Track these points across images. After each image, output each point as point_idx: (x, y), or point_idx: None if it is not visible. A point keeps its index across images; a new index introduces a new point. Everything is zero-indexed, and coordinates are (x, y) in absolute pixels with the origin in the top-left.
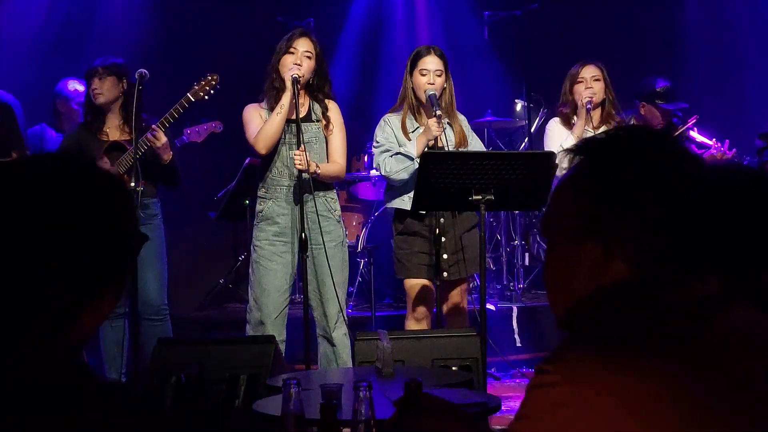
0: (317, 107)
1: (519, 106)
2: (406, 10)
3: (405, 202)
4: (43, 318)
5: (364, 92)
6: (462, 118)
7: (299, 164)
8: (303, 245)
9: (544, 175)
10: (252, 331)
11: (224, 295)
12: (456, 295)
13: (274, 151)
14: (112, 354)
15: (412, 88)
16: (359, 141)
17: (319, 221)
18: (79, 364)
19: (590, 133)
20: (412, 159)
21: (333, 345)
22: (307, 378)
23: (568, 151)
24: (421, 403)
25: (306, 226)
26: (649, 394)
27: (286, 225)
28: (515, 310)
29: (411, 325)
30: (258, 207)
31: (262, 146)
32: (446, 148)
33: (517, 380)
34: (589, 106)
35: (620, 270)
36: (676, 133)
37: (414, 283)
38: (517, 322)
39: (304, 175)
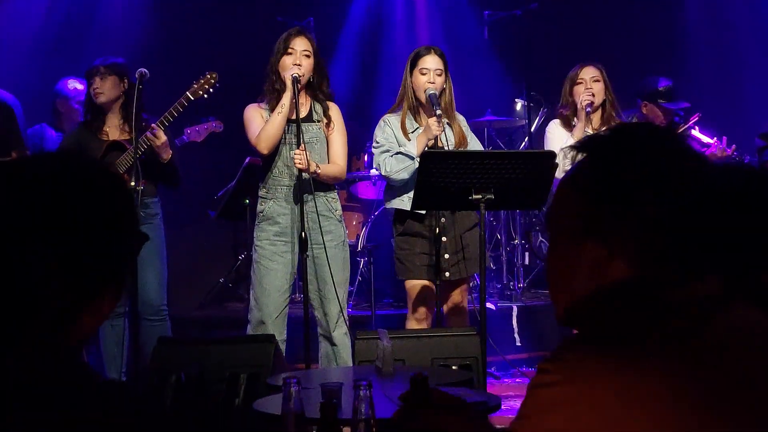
0: (318, 107)
1: (519, 105)
2: (406, 10)
3: (405, 202)
4: (43, 318)
5: (364, 92)
6: (461, 119)
7: (299, 163)
8: (303, 245)
9: (545, 175)
10: (252, 330)
11: (224, 295)
12: (456, 295)
13: (275, 151)
14: (112, 353)
15: (412, 87)
16: (359, 140)
17: (319, 221)
18: (79, 363)
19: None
20: (412, 159)
21: (334, 345)
22: (307, 377)
23: (570, 148)
24: (428, 397)
25: (306, 225)
26: (650, 394)
27: (287, 225)
28: (515, 309)
29: (412, 325)
30: (259, 207)
31: (264, 146)
32: (446, 148)
33: (517, 379)
34: (588, 109)
35: (622, 270)
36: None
37: (415, 284)
38: (517, 321)
39: (305, 175)
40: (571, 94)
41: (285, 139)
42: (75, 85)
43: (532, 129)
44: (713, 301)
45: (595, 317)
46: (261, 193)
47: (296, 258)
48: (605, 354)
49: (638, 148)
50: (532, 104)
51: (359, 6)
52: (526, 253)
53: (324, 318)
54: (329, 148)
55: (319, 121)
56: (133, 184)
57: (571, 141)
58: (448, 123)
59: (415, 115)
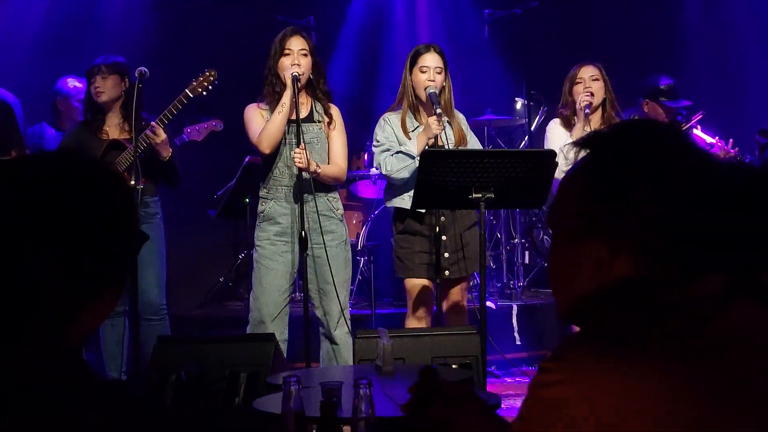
0: (319, 107)
1: (519, 104)
2: (406, 9)
3: (405, 200)
4: (43, 318)
5: (364, 91)
6: (461, 117)
7: (299, 162)
8: (303, 244)
9: (545, 174)
10: (252, 329)
11: (224, 294)
12: (456, 294)
13: (275, 151)
14: (113, 352)
15: (412, 86)
16: (359, 140)
17: (319, 221)
18: (79, 363)
19: None
20: (413, 157)
21: (335, 344)
22: (307, 376)
23: (572, 145)
24: (436, 389)
25: (306, 225)
26: (650, 394)
27: (288, 225)
28: (515, 308)
29: (411, 324)
30: (260, 207)
31: (266, 146)
32: (446, 146)
33: (517, 378)
34: (587, 110)
35: (624, 269)
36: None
37: (415, 283)
38: (517, 320)
39: (305, 175)
40: (571, 94)
41: (285, 139)
42: (75, 83)
43: (532, 128)
44: (713, 301)
45: (596, 316)
46: (262, 193)
47: (297, 257)
48: (606, 353)
49: (638, 146)
50: (532, 103)
51: (359, 5)
52: (526, 252)
53: (325, 317)
54: (329, 149)
55: (319, 122)
56: (132, 183)
57: (569, 141)
58: (448, 121)
59: (415, 113)
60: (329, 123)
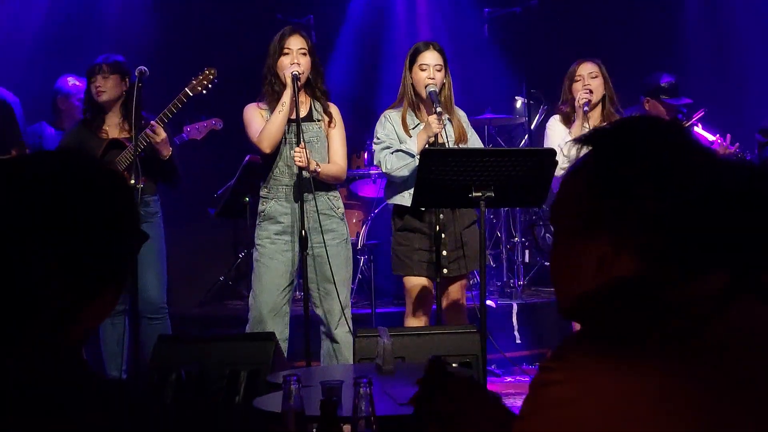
0: (318, 106)
1: (519, 103)
2: (406, 8)
3: (405, 198)
4: (43, 318)
5: (364, 90)
6: (461, 114)
7: (299, 161)
8: (303, 243)
9: (545, 172)
10: (251, 328)
11: (224, 293)
12: (455, 292)
13: (275, 150)
14: (113, 351)
15: (412, 84)
16: (359, 138)
17: (319, 219)
18: (79, 363)
19: None
20: (412, 156)
21: (335, 342)
22: (308, 374)
23: (575, 141)
24: (445, 381)
25: (307, 224)
26: (650, 394)
27: (289, 224)
28: (515, 307)
29: (410, 322)
30: (260, 207)
31: (266, 145)
32: (446, 144)
33: (517, 377)
34: (586, 108)
35: (627, 267)
36: None
37: (414, 281)
38: (517, 319)
39: (305, 174)
40: (570, 91)
41: (285, 138)
42: (75, 82)
43: (532, 126)
44: (714, 300)
45: (597, 315)
46: (262, 193)
47: (297, 256)
48: (607, 353)
49: (640, 142)
50: (532, 102)
51: (359, 4)
52: (527, 251)
53: (326, 316)
54: (329, 148)
55: (319, 120)
56: (132, 182)
57: (569, 138)
58: (449, 118)
59: (416, 111)
60: (329, 122)
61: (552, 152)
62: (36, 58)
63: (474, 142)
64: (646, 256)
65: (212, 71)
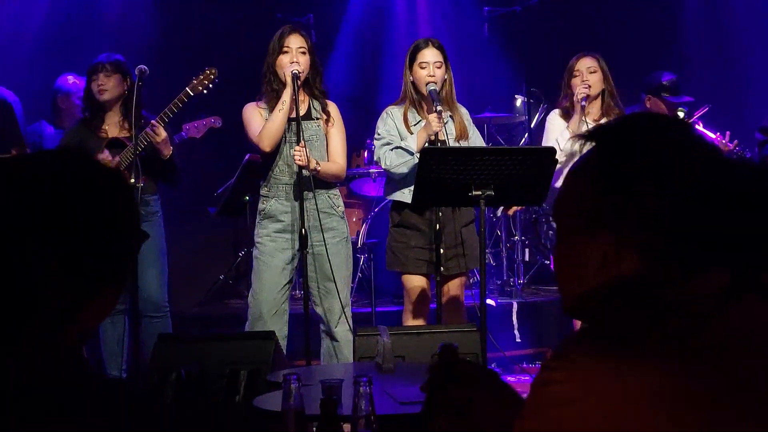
0: (317, 104)
1: (519, 101)
2: (406, 7)
3: (405, 195)
4: (43, 318)
5: (364, 89)
6: (463, 111)
7: (299, 160)
8: (303, 242)
9: (544, 171)
10: (251, 326)
11: (224, 292)
12: (453, 290)
13: (275, 149)
14: (113, 351)
15: (413, 82)
16: (359, 137)
17: (319, 218)
18: (79, 363)
19: (591, 126)
20: (411, 154)
21: (335, 341)
22: (307, 373)
23: (579, 137)
24: (456, 368)
25: (307, 223)
26: (652, 394)
27: (289, 222)
28: (515, 305)
29: (408, 320)
30: (260, 206)
31: (267, 144)
32: (447, 141)
33: (517, 376)
34: (583, 102)
35: (631, 265)
36: None
37: (412, 278)
38: (517, 317)
39: (305, 172)
40: (570, 86)
41: (285, 137)
42: (75, 81)
43: (532, 125)
44: (714, 300)
45: (598, 314)
46: (262, 191)
47: (297, 255)
48: (608, 353)
49: (642, 138)
50: (531, 100)
51: (359, 3)
52: (527, 249)
53: (326, 314)
54: (328, 146)
55: (318, 119)
56: (132, 181)
57: (566, 134)
58: (450, 116)
59: (418, 108)
60: (327, 120)
61: (552, 151)
62: (36, 57)
63: (475, 139)
64: (646, 255)
65: (213, 71)
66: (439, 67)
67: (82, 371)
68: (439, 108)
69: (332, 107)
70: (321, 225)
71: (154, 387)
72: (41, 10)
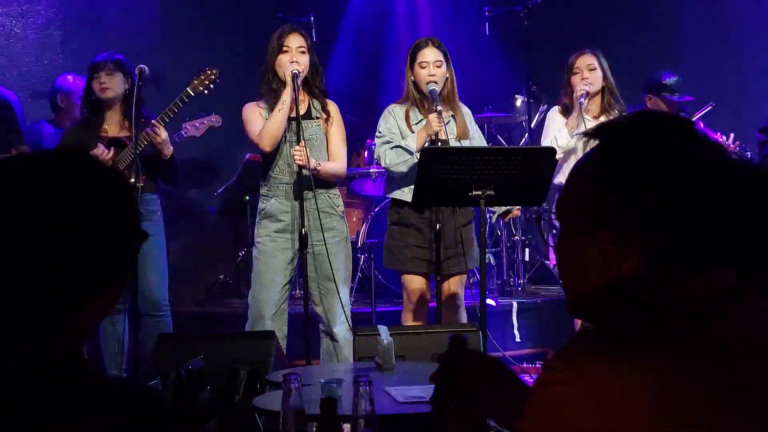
0: (317, 104)
1: (519, 101)
2: (407, 7)
3: (405, 193)
4: (43, 318)
5: (364, 89)
6: (466, 111)
7: (299, 160)
8: (303, 241)
9: (544, 171)
10: (251, 326)
11: (224, 291)
12: (452, 289)
13: (275, 149)
14: (113, 350)
15: (414, 81)
16: (359, 137)
17: (320, 217)
18: (79, 363)
19: (590, 123)
20: (411, 153)
21: (335, 341)
22: (307, 373)
23: (584, 134)
24: (466, 358)
25: (307, 222)
26: (651, 395)
27: (289, 222)
28: (515, 305)
29: (408, 319)
30: (260, 205)
31: (267, 144)
32: (448, 140)
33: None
34: (582, 99)
35: (631, 265)
36: None
37: (411, 278)
38: (517, 317)
39: (305, 172)
40: (569, 83)
41: (285, 137)
42: (75, 80)
43: (532, 125)
44: (715, 299)
45: (601, 314)
46: (262, 191)
47: (297, 254)
48: (610, 353)
49: (643, 137)
50: (532, 100)
51: (359, 3)
52: (527, 249)
53: (325, 314)
54: (328, 145)
55: (318, 118)
56: (132, 180)
57: (564, 131)
58: (452, 116)
59: (420, 108)
60: (327, 119)
61: (552, 151)
62: (36, 57)
63: (477, 139)
64: (647, 255)
65: (214, 71)
66: (439, 66)
67: (82, 371)
68: (439, 108)
69: (332, 106)
70: (321, 225)
71: (154, 387)
72: (41, 9)
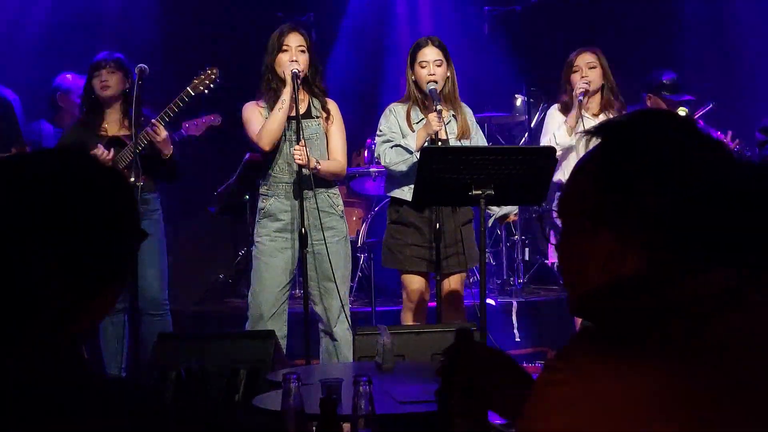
0: (317, 103)
1: (519, 101)
2: (407, 6)
3: (405, 192)
4: (43, 318)
5: (365, 88)
6: (467, 111)
7: (299, 159)
8: (303, 241)
9: (544, 171)
10: (251, 326)
11: (224, 290)
12: (452, 288)
13: (275, 148)
14: (113, 349)
15: (414, 81)
16: (360, 136)
17: (320, 217)
18: (80, 362)
19: (589, 121)
20: (411, 152)
21: (335, 340)
22: (307, 373)
23: (586, 133)
24: (471, 351)
25: (307, 222)
26: (652, 394)
27: (289, 221)
28: (515, 305)
29: (407, 318)
30: (260, 204)
31: (266, 143)
32: (448, 140)
33: None
34: (581, 98)
35: (632, 264)
36: None
37: (410, 277)
38: (517, 317)
39: (305, 171)
40: (569, 81)
41: (285, 136)
42: (75, 79)
43: (532, 125)
44: (715, 299)
45: (601, 313)
46: (262, 190)
47: (296, 254)
48: (610, 353)
49: (643, 136)
50: (532, 100)
51: (359, 2)
52: (527, 249)
53: (325, 314)
54: (328, 145)
55: (318, 117)
56: (132, 180)
57: (563, 129)
58: (453, 115)
59: (421, 107)
60: (327, 118)
61: (552, 151)
62: (36, 56)
63: (477, 139)
64: (647, 254)
65: (214, 71)
66: (439, 66)
67: (82, 371)
68: (439, 107)
69: (332, 105)
70: (321, 224)
71: (154, 386)
72: (41, 9)
